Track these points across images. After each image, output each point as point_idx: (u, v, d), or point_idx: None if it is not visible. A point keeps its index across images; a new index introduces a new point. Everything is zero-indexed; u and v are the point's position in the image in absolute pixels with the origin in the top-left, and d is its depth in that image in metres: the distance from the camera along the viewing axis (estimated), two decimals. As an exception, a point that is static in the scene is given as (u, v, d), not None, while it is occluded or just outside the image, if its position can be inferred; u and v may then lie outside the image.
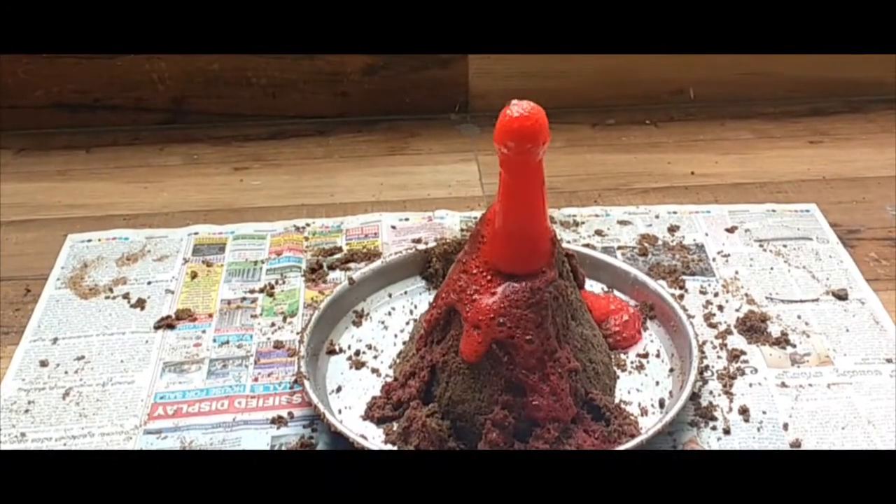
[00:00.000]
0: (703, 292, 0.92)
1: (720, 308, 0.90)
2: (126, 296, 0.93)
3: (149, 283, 0.95)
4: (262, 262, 0.98)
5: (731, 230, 1.01)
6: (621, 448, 0.72)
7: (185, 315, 0.90)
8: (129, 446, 0.77)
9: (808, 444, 0.76)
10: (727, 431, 0.77)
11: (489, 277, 0.74)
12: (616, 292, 0.91)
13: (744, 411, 0.78)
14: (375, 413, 0.78)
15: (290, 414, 0.79)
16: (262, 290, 0.94)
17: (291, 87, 1.24)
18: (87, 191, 1.12)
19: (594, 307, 0.85)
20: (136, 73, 1.22)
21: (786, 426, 0.77)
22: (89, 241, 1.02)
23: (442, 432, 0.74)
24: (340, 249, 0.99)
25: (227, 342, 0.87)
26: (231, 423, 0.79)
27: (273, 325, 0.89)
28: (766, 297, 0.91)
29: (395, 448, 0.74)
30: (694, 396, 0.79)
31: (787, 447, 0.75)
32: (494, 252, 0.74)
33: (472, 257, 0.75)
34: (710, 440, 0.76)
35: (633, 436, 0.74)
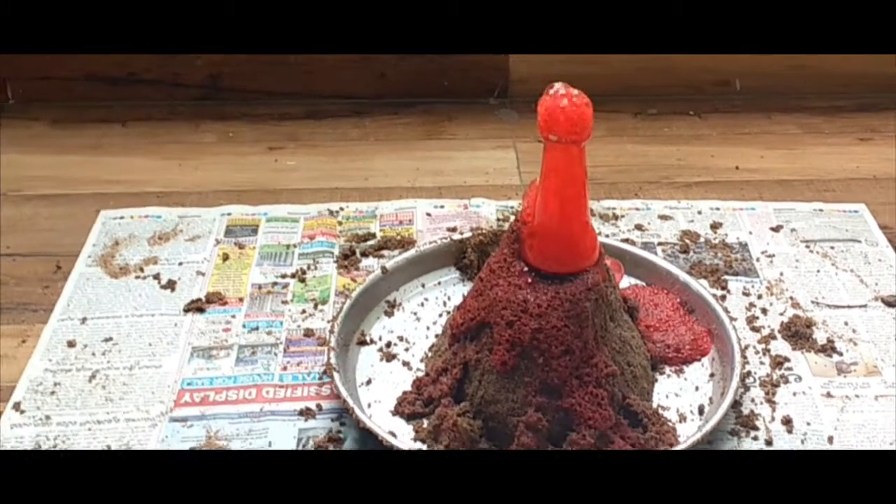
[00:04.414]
0: (746, 294, 0.89)
1: (764, 311, 0.87)
2: (157, 276, 0.91)
3: (180, 263, 0.93)
4: (295, 245, 0.96)
5: (776, 229, 0.98)
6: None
7: (215, 298, 0.89)
8: (154, 434, 0.75)
9: (852, 459, 0.73)
10: (769, 443, 0.74)
11: (527, 282, 0.71)
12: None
13: (787, 422, 0.76)
14: (405, 409, 0.76)
15: (319, 406, 0.77)
16: (293, 276, 0.92)
17: (328, 67, 1.22)
18: (121, 166, 1.11)
19: (656, 318, 0.83)
20: (172, 47, 1.20)
21: (830, 439, 0.75)
22: (122, 218, 1.00)
23: (473, 433, 0.72)
24: (374, 236, 0.97)
25: (257, 328, 0.86)
26: (258, 413, 0.77)
27: (304, 312, 0.88)
28: (812, 302, 0.88)
29: (425, 447, 0.73)
30: (735, 404, 0.76)
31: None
32: (533, 251, 0.71)
33: (509, 261, 0.73)
34: (749, 450, 0.74)
35: (671, 444, 0.71)
